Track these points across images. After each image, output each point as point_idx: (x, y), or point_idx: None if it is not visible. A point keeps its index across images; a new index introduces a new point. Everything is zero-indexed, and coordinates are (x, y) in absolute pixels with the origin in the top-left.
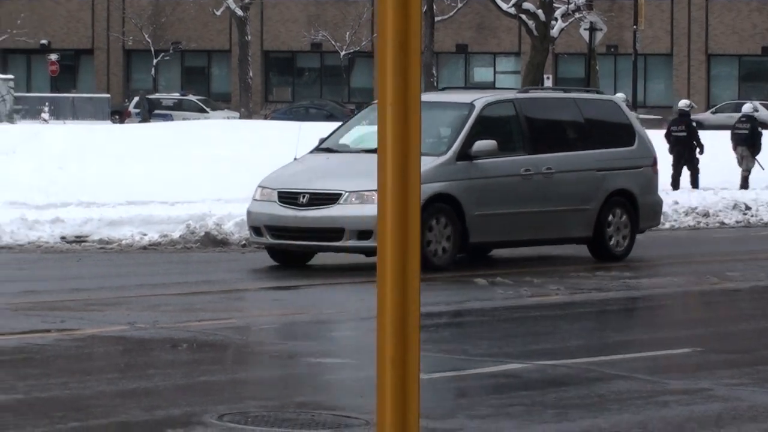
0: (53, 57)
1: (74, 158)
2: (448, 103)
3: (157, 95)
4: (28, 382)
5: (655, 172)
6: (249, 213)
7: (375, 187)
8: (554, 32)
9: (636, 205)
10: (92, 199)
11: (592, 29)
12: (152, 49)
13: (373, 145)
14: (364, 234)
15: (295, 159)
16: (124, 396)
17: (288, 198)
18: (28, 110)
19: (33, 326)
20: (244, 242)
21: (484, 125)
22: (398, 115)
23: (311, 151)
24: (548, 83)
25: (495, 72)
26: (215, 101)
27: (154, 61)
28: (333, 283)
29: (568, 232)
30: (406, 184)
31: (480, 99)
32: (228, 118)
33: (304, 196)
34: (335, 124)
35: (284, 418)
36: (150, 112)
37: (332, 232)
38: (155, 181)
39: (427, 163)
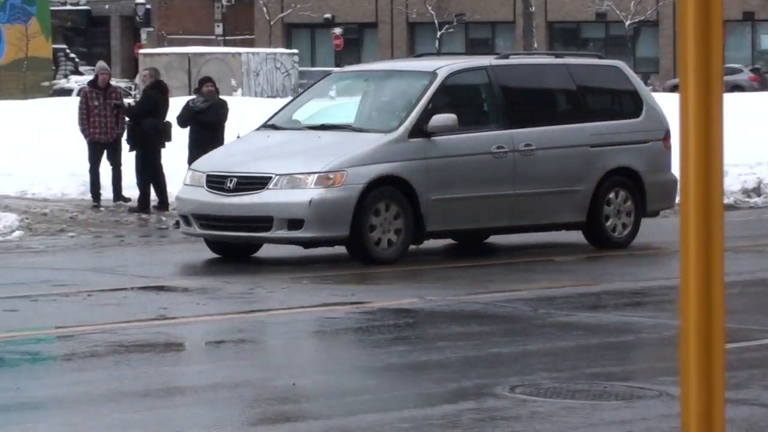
0: (337, 31)
1: None
2: (408, 72)
3: None
4: (331, 354)
5: (668, 147)
6: (177, 199)
7: (310, 170)
8: None
9: (642, 186)
10: None
11: None
12: (436, 21)
13: (325, 120)
14: (295, 223)
15: (237, 137)
16: (415, 368)
17: (215, 182)
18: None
19: (324, 300)
20: None
21: (450, 97)
22: (700, 85)
23: (256, 129)
24: None
25: None
26: None
27: (438, 33)
28: (633, 254)
29: (555, 217)
30: (709, 156)
31: (445, 67)
32: None
33: (231, 181)
34: None
35: (576, 389)
36: None
37: (260, 222)
38: None
39: (372, 141)
